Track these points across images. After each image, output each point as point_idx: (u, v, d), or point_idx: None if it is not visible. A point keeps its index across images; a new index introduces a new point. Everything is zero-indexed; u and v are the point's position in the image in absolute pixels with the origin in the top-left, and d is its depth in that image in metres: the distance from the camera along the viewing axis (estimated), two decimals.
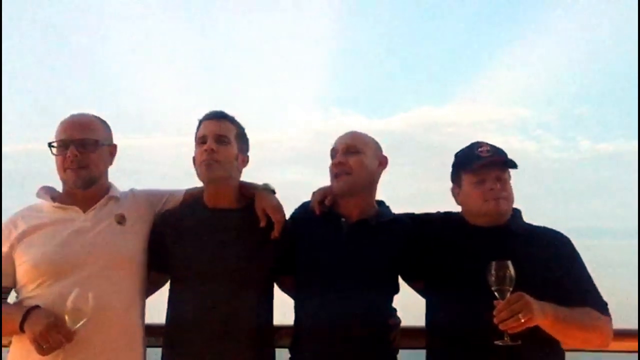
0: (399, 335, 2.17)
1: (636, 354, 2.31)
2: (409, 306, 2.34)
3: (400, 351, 2.23)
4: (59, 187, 2.14)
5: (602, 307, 1.94)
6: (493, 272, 1.79)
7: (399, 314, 2.22)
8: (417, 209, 2.34)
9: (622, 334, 2.36)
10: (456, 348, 1.98)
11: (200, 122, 2.16)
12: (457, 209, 2.21)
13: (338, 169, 2.15)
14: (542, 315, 1.76)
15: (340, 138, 2.22)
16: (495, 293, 1.79)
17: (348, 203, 2.18)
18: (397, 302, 2.24)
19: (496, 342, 1.78)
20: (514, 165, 2.04)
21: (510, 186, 2.06)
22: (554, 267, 1.94)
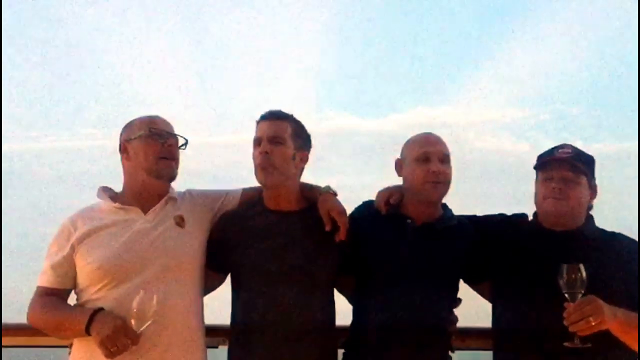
0: (456, 331, 2.18)
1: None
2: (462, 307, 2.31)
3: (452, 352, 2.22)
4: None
5: None
6: (564, 275, 1.79)
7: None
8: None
9: None
10: (524, 351, 1.97)
11: (257, 123, 2.14)
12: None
13: (437, 178, 2.11)
14: (612, 319, 1.76)
15: (432, 144, 2.16)
16: (566, 296, 1.78)
17: (419, 207, 2.15)
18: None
19: (566, 344, 1.77)
20: (581, 170, 2.01)
21: (580, 191, 2.02)
22: (624, 274, 1.93)
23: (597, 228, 2.11)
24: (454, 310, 2.22)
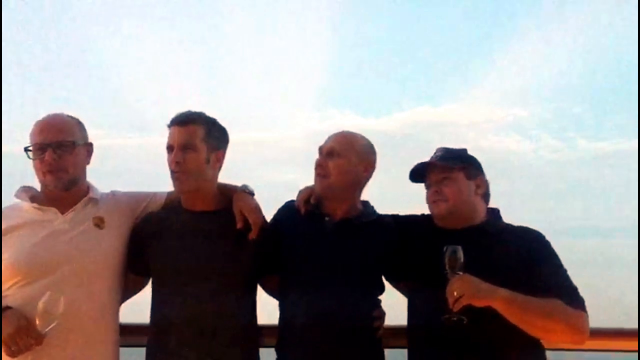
0: (382, 324, 2.16)
1: (636, 354, 2.27)
2: (398, 306, 2.28)
3: (390, 350, 2.22)
4: (38, 186, 2.12)
5: (575, 301, 1.90)
6: (446, 257, 1.88)
7: (389, 314, 2.19)
8: (414, 210, 2.33)
9: (622, 334, 2.39)
10: (432, 347, 2.00)
11: (168, 127, 2.10)
12: None
13: (317, 171, 2.17)
14: (489, 295, 1.83)
15: (328, 138, 2.21)
16: (448, 276, 1.88)
17: (331, 203, 2.18)
18: (388, 302, 2.22)
19: (442, 317, 1.87)
20: (449, 167, 2.05)
21: (458, 186, 2.05)
22: (526, 263, 1.95)
23: (501, 222, 2.14)
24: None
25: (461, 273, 1.86)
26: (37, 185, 2.12)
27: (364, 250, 2.13)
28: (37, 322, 1.80)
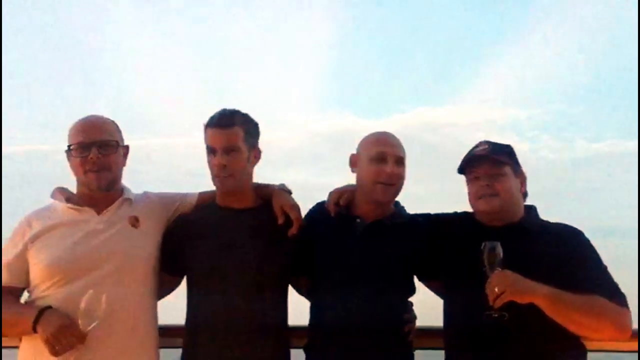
0: (413, 329, 2.17)
1: (636, 354, 2.30)
2: (429, 306, 2.34)
3: (420, 351, 2.24)
4: (72, 187, 2.15)
5: (617, 298, 1.90)
6: (485, 253, 1.87)
7: (418, 314, 2.22)
8: (414, 210, 2.33)
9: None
10: (472, 345, 1.99)
11: (206, 127, 2.12)
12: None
13: (390, 180, 2.12)
14: (530, 292, 1.82)
15: (390, 145, 2.15)
16: (486, 273, 1.86)
17: (369, 206, 2.16)
18: (417, 302, 2.24)
19: (485, 313, 1.85)
20: (502, 161, 2.04)
21: (509, 182, 2.04)
22: (566, 261, 1.94)
23: (539, 219, 2.13)
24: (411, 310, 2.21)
25: (499, 269, 1.84)
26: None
27: (396, 252, 2.13)
28: (79, 320, 1.82)
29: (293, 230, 2.11)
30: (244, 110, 2.18)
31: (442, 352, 2.21)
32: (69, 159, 2.09)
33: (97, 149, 2.02)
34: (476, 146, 2.11)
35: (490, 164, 2.03)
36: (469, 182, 2.09)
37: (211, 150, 2.11)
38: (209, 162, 2.12)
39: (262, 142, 2.21)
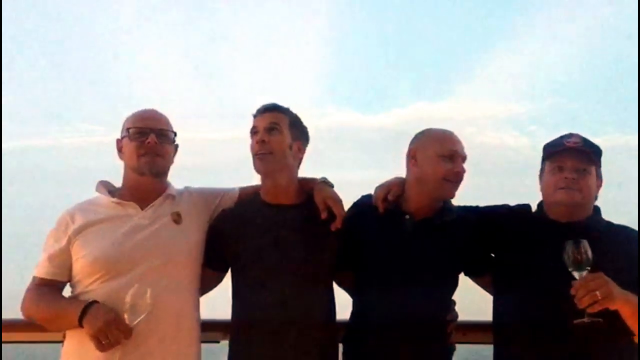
0: (454, 329, 2.15)
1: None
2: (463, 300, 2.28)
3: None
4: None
5: None
6: (570, 252, 1.77)
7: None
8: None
9: None
10: (530, 341, 1.95)
11: (254, 116, 2.14)
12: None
13: (459, 178, 2.09)
14: (622, 299, 1.73)
15: (459, 143, 2.12)
16: (573, 274, 1.76)
17: (421, 202, 2.12)
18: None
19: (575, 322, 1.74)
20: (592, 159, 1.98)
21: (591, 181, 1.99)
22: (631, 265, 1.89)
23: (603, 220, 2.07)
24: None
25: (588, 269, 1.74)
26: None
27: (445, 251, 2.10)
28: (125, 315, 1.81)
29: (337, 225, 2.08)
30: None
31: (472, 346, 2.25)
32: (119, 147, 2.10)
33: (156, 135, 2.03)
34: (567, 136, 2.04)
35: (580, 157, 1.97)
36: (549, 170, 2.02)
37: (253, 131, 2.10)
38: (250, 145, 2.11)
39: None
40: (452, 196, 2.12)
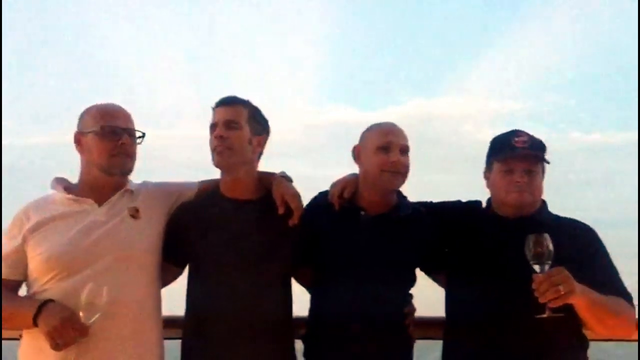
0: (412, 322, 2.16)
1: (636, 343, 2.29)
2: (424, 297, 2.32)
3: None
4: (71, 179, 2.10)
5: (628, 298, 1.93)
6: (531, 246, 1.77)
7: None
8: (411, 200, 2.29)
9: None
10: (480, 336, 1.96)
11: (213, 109, 2.12)
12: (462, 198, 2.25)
13: (396, 169, 2.09)
14: (581, 294, 1.74)
15: (395, 135, 2.13)
16: (535, 267, 1.76)
17: (374, 197, 2.14)
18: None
19: (538, 316, 1.74)
20: (546, 161, 2.02)
21: (539, 180, 2.03)
22: (580, 257, 1.91)
23: (551, 213, 2.11)
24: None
25: (549, 263, 1.74)
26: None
27: (400, 246, 2.12)
28: (81, 314, 1.79)
29: (294, 220, 2.07)
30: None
31: (435, 342, 2.21)
32: (79, 142, 2.05)
33: (129, 135, 2.02)
34: (513, 134, 2.04)
35: (530, 160, 1.99)
36: (499, 172, 2.03)
37: (212, 127, 2.09)
38: (210, 140, 2.09)
39: None
40: (394, 187, 2.13)
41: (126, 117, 2.06)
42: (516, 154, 1.99)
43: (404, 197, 2.23)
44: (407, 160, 2.13)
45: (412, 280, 2.20)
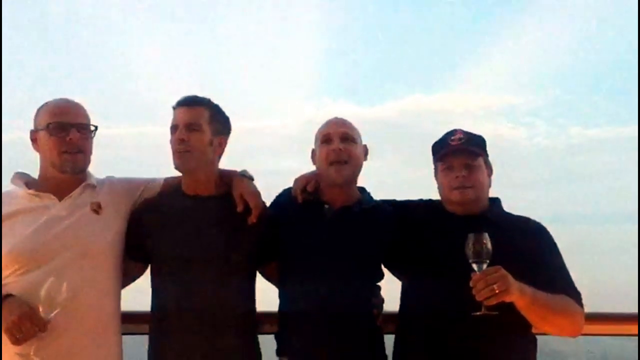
0: (380, 312, 2.17)
1: (636, 338, 2.33)
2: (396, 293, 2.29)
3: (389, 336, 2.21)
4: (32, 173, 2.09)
5: (577, 296, 1.95)
6: (470, 245, 1.79)
7: (388, 301, 2.20)
8: (408, 197, 2.33)
9: (621, 318, 2.46)
10: (429, 330, 1.98)
11: (173, 109, 2.12)
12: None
13: (334, 158, 2.11)
14: (519, 293, 1.76)
15: (335, 125, 2.18)
16: (473, 265, 1.78)
17: (333, 190, 2.16)
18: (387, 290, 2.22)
19: (474, 314, 1.76)
20: (477, 153, 2.05)
21: (482, 174, 2.05)
22: (530, 255, 1.93)
23: (503, 211, 2.14)
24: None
25: (487, 262, 1.76)
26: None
27: (364, 238, 2.14)
28: (40, 308, 1.79)
29: (252, 219, 2.08)
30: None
31: None
32: (35, 140, 2.04)
33: (77, 130, 1.98)
34: (450, 134, 2.09)
35: (465, 155, 2.03)
36: (441, 171, 2.08)
37: (173, 129, 2.08)
38: (170, 141, 2.09)
39: (255, 130, 2.19)
40: (342, 177, 2.12)
41: (76, 112, 2.03)
42: (450, 150, 2.04)
43: (367, 192, 2.25)
44: (351, 147, 2.13)
45: (378, 274, 2.21)
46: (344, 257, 2.10)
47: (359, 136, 2.20)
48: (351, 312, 2.06)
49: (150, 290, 2.14)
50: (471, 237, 1.79)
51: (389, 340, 2.20)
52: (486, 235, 1.79)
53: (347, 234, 2.13)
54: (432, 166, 2.16)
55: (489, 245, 1.77)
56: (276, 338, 2.20)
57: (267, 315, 2.22)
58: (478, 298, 1.73)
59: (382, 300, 2.18)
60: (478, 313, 1.75)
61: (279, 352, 2.18)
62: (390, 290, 2.25)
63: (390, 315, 2.19)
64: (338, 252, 2.10)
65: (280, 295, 2.19)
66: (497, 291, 1.70)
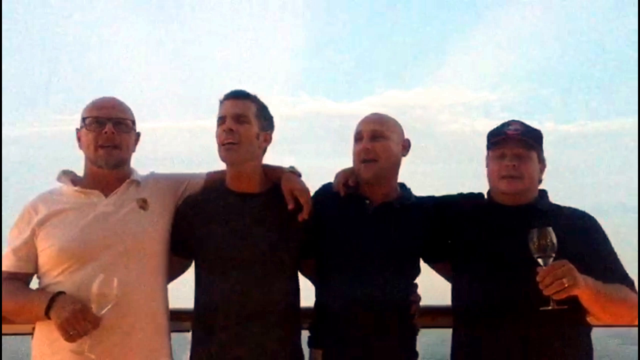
0: (418, 310, 2.17)
1: (636, 329, 2.28)
2: (429, 287, 2.34)
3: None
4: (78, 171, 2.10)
5: (630, 284, 1.95)
6: (535, 239, 1.78)
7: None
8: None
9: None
10: (486, 324, 1.97)
11: (221, 102, 2.11)
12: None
13: (362, 157, 2.12)
14: (584, 285, 1.75)
15: (366, 122, 2.18)
16: (539, 260, 1.78)
17: (372, 187, 2.16)
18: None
19: (542, 308, 1.75)
20: (531, 145, 2.04)
21: (533, 167, 2.04)
22: (581, 245, 1.92)
23: (551, 203, 2.13)
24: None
25: (553, 255, 1.76)
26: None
27: (404, 234, 2.13)
28: (92, 305, 1.79)
29: (304, 215, 2.07)
30: None
31: (439, 330, 2.28)
32: (78, 137, 2.06)
33: (112, 125, 1.99)
34: (507, 124, 2.09)
35: (520, 145, 2.02)
36: (493, 159, 2.07)
37: (221, 120, 2.07)
38: (217, 133, 2.08)
39: None
40: (369, 175, 2.12)
41: (114, 106, 2.04)
42: (503, 138, 2.03)
43: (407, 188, 2.25)
44: (380, 145, 2.12)
45: (416, 269, 2.21)
46: (385, 252, 2.10)
47: (396, 132, 2.18)
48: (390, 307, 2.06)
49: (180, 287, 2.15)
50: (535, 232, 1.79)
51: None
52: (550, 229, 1.78)
53: (388, 229, 2.13)
54: (485, 154, 2.14)
55: (554, 240, 1.77)
56: (310, 330, 2.19)
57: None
58: (546, 292, 1.73)
59: (420, 298, 2.18)
60: (548, 307, 1.74)
61: (313, 344, 2.18)
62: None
63: (432, 309, 2.21)
64: (378, 248, 2.09)
65: (318, 291, 2.19)
66: (566, 285, 1.70)
